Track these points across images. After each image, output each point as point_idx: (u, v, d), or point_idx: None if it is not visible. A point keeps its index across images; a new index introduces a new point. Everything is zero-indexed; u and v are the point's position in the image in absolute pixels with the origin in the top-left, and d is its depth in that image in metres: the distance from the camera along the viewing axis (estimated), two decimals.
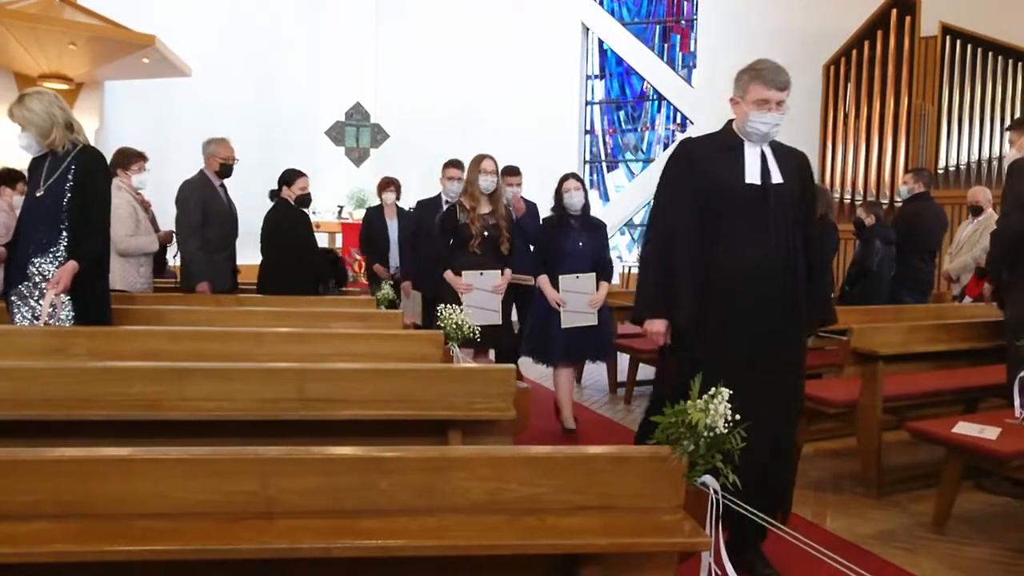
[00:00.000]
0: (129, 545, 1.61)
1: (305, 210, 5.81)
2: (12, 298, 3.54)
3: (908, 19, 9.78)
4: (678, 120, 12.46)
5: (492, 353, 5.23)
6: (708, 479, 1.78)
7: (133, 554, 1.60)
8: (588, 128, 12.99)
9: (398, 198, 6.56)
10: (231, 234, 5.40)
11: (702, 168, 2.84)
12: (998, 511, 3.75)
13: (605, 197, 12.98)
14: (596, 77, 12.98)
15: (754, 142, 2.83)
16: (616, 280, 10.35)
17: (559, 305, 4.82)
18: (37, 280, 3.49)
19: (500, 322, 4.72)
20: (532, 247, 5.33)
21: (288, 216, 5.62)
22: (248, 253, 5.75)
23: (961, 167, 9.63)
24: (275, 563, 1.67)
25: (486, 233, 4.62)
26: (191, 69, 9.63)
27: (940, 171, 9.66)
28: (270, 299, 4.96)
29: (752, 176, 2.81)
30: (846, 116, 10.27)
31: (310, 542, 1.65)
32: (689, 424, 1.75)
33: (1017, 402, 3.52)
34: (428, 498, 1.77)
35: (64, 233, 3.50)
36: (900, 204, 6.44)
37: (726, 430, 1.75)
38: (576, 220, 4.94)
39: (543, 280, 4.90)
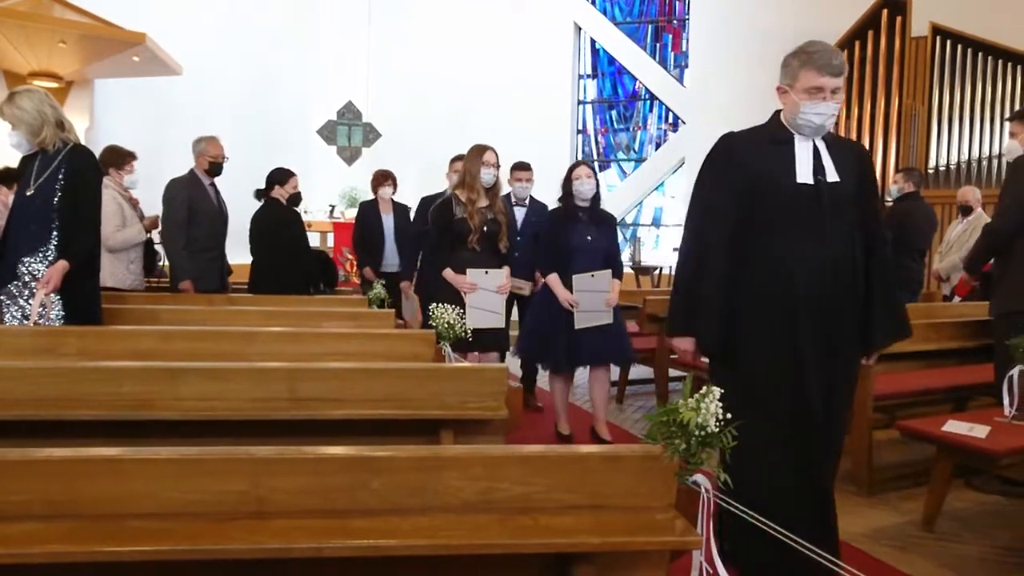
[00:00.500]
0: (120, 545, 1.60)
1: (296, 209, 5.80)
2: (2, 297, 3.52)
3: (899, 19, 9.83)
4: (670, 120, 12.48)
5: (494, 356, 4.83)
6: (700, 478, 1.79)
7: (124, 554, 1.59)
8: (580, 127, 13.00)
9: (395, 192, 6.39)
10: (220, 234, 5.38)
11: (745, 165, 2.54)
12: (988, 509, 3.77)
13: None
14: (588, 76, 12.99)
15: (806, 135, 2.55)
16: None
17: (572, 306, 4.50)
18: (27, 279, 3.48)
19: (503, 325, 4.49)
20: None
21: (279, 215, 5.61)
22: (241, 253, 5.73)
23: (951, 167, 9.67)
24: (267, 563, 1.67)
25: (484, 229, 4.35)
26: (182, 68, 9.61)
27: (930, 171, 9.70)
28: (261, 299, 4.95)
29: (804, 175, 2.51)
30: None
31: (302, 542, 1.64)
32: (680, 423, 1.75)
33: (1006, 400, 3.54)
34: (420, 497, 1.77)
35: (54, 232, 3.49)
36: (890, 203, 6.46)
37: (717, 428, 1.75)
38: (585, 212, 4.62)
39: (553, 279, 4.56)
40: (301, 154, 10.43)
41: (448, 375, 2.84)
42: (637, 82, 12.65)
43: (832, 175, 2.54)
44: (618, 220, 12.60)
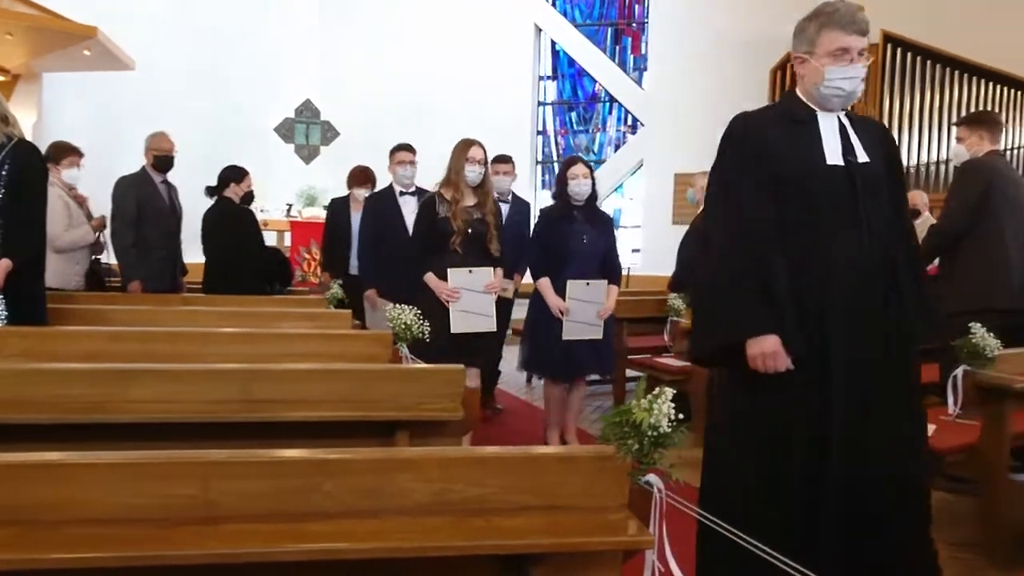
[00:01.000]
0: (64, 552, 1.56)
1: (249, 208, 5.70)
2: None
3: None
4: (629, 122, 12.58)
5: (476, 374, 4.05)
6: (652, 478, 1.81)
7: (67, 561, 1.55)
8: (540, 129, 13.04)
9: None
10: (172, 233, 5.29)
11: (767, 147, 2.25)
12: (935, 506, 3.85)
13: None
14: (548, 78, 13.04)
15: (832, 108, 2.28)
16: None
17: (562, 313, 4.23)
18: None
19: (494, 328, 4.11)
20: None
21: (232, 213, 5.50)
22: (197, 252, 5.63)
23: None
24: (217, 568, 1.65)
25: (470, 230, 4.00)
26: (135, 62, 9.39)
27: None
28: (217, 299, 4.87)
29: (833, 156, 2.23)
30: None
31: (253, 547, 1.62)
32: (633, 423, 1.77)
33: (951, 399, 3.63)
34: (374, 500, 1.76)
35: None
36: None
37: (669, 429, 1.77)
38: (580, 212, 4.35)
39: (544, 283, 4.29)
40: (259, 152, 10.28)
41: (404, 376, 2.83)
42: (597, 84, 12.74)
43: (862, 155, 2.27)
44: None
